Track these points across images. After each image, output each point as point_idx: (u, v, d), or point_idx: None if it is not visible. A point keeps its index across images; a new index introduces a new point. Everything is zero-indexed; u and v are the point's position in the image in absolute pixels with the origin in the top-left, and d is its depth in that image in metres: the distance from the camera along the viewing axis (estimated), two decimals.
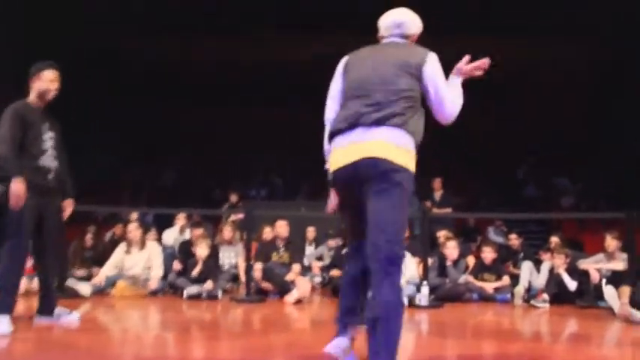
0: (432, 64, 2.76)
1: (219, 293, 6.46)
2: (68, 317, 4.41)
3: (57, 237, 4.41)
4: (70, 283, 6.44)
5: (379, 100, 2.67)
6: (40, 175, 4.07)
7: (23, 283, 6.35)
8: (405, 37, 2.99)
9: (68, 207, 4.41)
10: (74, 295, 6.19)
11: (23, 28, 12.79)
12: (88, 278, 7.02)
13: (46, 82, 4.14)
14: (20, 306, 5.43)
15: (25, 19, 12.70)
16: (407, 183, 2.61)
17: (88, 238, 8.17)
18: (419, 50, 2.83)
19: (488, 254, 6.95)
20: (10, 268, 3.98)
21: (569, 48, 14.20)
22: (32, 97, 4.17)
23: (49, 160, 4.14)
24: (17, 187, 3.85)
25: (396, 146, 2.60)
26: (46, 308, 4.34)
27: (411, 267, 6.50)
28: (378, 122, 2.63)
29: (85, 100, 14.45)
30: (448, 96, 2.75)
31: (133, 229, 7.07)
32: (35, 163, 4.04)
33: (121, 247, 7.04)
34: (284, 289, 6.37)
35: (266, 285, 6.57)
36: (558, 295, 6.27)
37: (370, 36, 3.09)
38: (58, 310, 4.39)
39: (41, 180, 4.07)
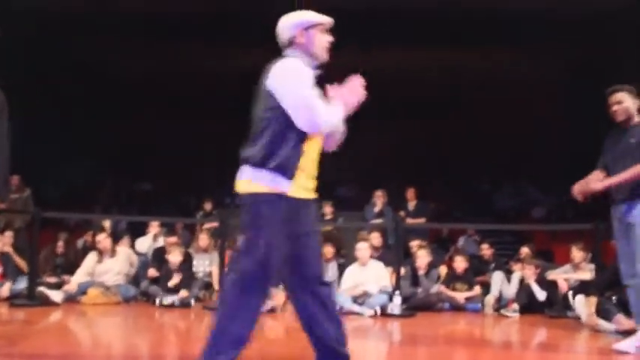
0: (274, 73, 2.56)
1: (192, 301, 6.44)
2: None
3: None
4: (42, 290, 6.36)
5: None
6: None
7: None
8: (285, 47, 2.71)
9: None
10: (46, 303, 6.11)
11: None
12: (59, 285, 6.93)
13: None
14: None
15: None
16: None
17: (60, 245, 8.08)
18: (274, 64, 2.61)
19: (460, 264, 7.03)
20: None
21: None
22: None
23: None
24: None
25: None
26: None
27: (384, 276, 6.55)
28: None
29: (59, 106, 14.36)
30: (298, 103, 2.48)
31: (102, 239, 7.02)
32: None
33: (92, 255, 6.98)
34: None
35: None
36: (528, 304, 6.36)
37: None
38: None
39: None
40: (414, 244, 7.57)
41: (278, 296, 6.33)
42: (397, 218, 6.95)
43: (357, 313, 6.04)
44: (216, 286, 6.93)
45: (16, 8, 10.49)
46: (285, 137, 2.52)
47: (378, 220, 8.95)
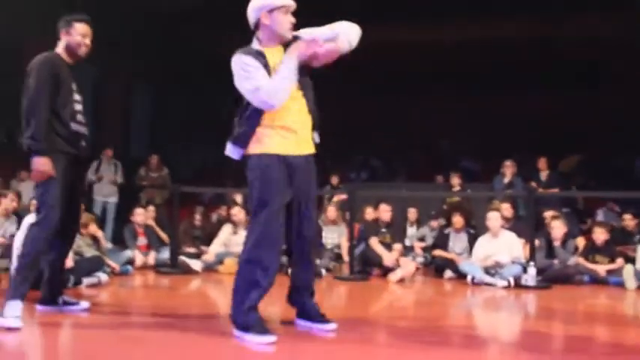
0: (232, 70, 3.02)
1: (323, 272, 6.58)
2: (76, 307, 3.81)
3: (78, 214, 3.89)
4: (183, 259, 6.78)
5: None
6: (73, 143, 3.57)
7: (139, 259, 6.83)
8: (253, 30, 3.10)
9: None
10: (187, 271, 6.51)
11: None
12: (198, 255, 7.35)
13: (77, 35, 3.63)
14: (137, 280, 5.81)
15: None
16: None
17: (197, 219, 8.59)
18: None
19: (600, 235, 6.63)
20: (35, 247, 3.39)
21: None
22: (61, 51, 3.66)
23: (79, 125, 3.63)
24: (41, 162, 3.34)
25: None
26: (49, 295, 3.74)
27: (516, 247, 6.33)
28: None
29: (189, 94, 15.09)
30: (247, 95, 2.97)
31: (237, 212, 7.34)
32: (67, 129, 3.53)
33: (228, 228, 7.32)
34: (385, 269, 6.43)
35: None
36: None
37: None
38: (65, 298, 3.82)
39: (73, 149, 3.57)
40: (548, 214, 7.25)
41: (407, 266, 6.32)
42: (529, 188, 6.66)
43: (490, 284, 5.89)
44: (345, 257, 7.04)
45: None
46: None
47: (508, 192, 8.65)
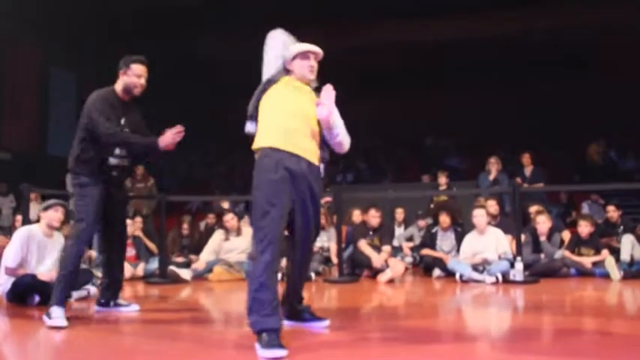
0: None
1: (312, 275, 6.59)
2: (127, 308, 4.35)
3: (123, 230, 4.42)
4: (172, 269, 6.76)
5: None
6: (106, 173, 4.02)
7: (127, 270, 6.78)
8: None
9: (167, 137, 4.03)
10: (176, 280, 6.50)
11: None
12: (187, 264, 7.35)
13: (133, 76, 4.04)
14: (127, 292, 5.78)
15: None
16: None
17: (185, 228, 8.57)
18: None
19: (585, 228, 6.72)
20: (74, 255, 3.89)
21: None
22: (118, 88, 4.09)
23: (117, 159, 4.06)
24: (163, 139, 3.91)
25: None
26: (106, 299, 4.34)
27: (503, 243, 6.39)
28: None
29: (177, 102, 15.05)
30: None
31: (230, 219, 7.34)
32: (103, 160, 4.00)
33: (219, 234, 7.32)
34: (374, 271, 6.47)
35: None
36: None
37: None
38: (119, 301, 4.37)
39: (105, 176, 4.02)
40: (533, 209, 7.33)
41: (396, 267, 6.35)
42: (514, 183, 6.73)
43: (478, 281, 5.94)
44: (334, 260, 7.06)
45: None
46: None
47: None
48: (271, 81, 3.37)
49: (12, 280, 4.74)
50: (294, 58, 3.38)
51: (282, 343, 2.77)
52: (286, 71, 3.42)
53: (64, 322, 3.66)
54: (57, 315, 3.69)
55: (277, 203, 3.01)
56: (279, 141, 3.15)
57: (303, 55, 3.38)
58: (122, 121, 4.02)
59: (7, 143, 12.78)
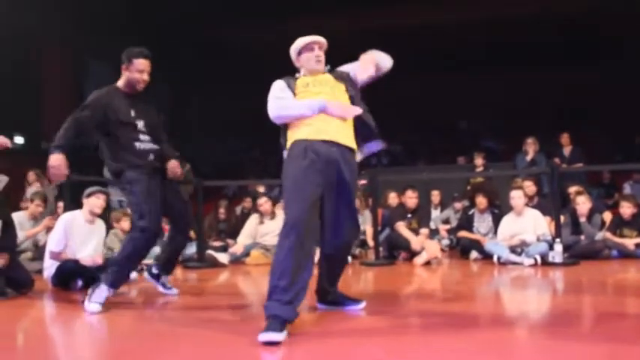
0: None
1: (349, 258, 6.60)
2: (168, 291, 4.40)
3: (185, 213, 4.35)
4: (210, 253, 6.86)
5: None
6: (141, 158, 3.91)
7: None
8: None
9: (175, 167, 4.15)
10: (214, 264, 6.59)
11: None
12: (224, 248, 7.44)
13: (135, 72, 3.91)
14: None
15: None
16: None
17: (221, 212, 8.68)
18: None
19: (627, 209, 6.56)
20: (132, 252, 3.85)
21: None
22: (121, 84, 4.01)
23: (144, 144, 3.96)
24: (53, 158, 3.69)
25: None
26: (158, 271, 4.38)
27: (542, 224, 6.29)
28: None
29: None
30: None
31: (264, 202, 7.40)
32: (132, 149, 3.91)
33: (254, 218, 7.39)
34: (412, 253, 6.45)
35: None
36: None
37: None
38: (164, 279, 4.42)
39: (143, 161, 3.91)
40: (572, 190, 7.19)
41: (431, 248, 6.32)
42: (552, 164, 6.61)
43: (516, 263, 5.88)
44: (370, 243, 7.06)
45: None
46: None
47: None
48: (289, 87, 3.34)
49: (56, 264, 4.88)
50: (299, 53, 3.43)
51: (287, 329, 2.75)
52: (292, 75, 3.44)
53: (97, 309, 3.64)
54: (95, 299, 3.68)
55: (303, 189, 3.02)
56: (310, 135, 3.17)
57: (308, 47, 3.41)
58: (132, 113, 3.93)
59: (50, 137, 13.06)
